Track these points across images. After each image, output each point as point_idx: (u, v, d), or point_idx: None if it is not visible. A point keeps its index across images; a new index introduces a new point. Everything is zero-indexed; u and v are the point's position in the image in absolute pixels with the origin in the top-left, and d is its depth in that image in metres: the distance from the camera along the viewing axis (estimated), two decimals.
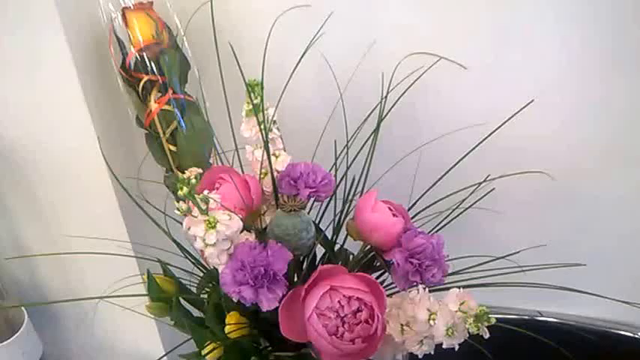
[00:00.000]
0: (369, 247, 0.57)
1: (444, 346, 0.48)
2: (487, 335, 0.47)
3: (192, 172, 0.43)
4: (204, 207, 0.45)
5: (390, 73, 0.63)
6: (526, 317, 0.89)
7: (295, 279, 0.57)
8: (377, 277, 0.59)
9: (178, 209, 0.45)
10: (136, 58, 0.62)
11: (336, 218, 0.61)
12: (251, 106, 0.56)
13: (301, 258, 0.56)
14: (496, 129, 0.57)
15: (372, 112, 0.63)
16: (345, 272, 0.49)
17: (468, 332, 0.48)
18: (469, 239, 0.60)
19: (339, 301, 0.47)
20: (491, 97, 0.67)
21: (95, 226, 0.67)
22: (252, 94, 0.56)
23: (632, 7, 0.62)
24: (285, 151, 0.59)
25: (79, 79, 0.61)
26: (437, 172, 0.61)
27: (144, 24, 0.62)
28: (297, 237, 0.50)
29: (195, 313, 0.60)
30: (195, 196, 0.44)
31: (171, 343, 0.76)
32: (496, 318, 0.48)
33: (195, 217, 0.46)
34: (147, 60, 0.62)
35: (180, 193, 0.43)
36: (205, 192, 0.46)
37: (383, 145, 0.62)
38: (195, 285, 0.60)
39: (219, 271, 0.49)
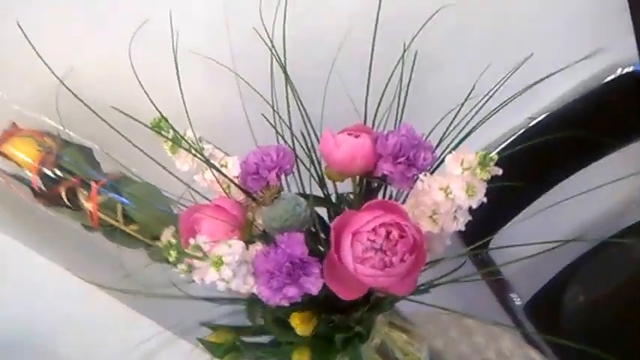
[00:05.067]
0: (358, 178, 0.57)
1: (474, 207, 0.49)
2: (500, 172, 0.48)
3: (166, 235, 0.41)
4: (201, 255, 0.43)
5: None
6: (520, 130, 0.92)
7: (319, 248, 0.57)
8: (384, 197, 0.59)
9: (181, 272, 0.43)
10: (40, 179, 0.59)
11: (314, 175, 0.61)
12: (170, 143, 0.54)
13: (310, 228, 0.56)
14: None
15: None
16: (353, 214, 0.49)
17: (485, 181, 0.48)
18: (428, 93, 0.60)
19: (367, 239, 0.47)
20: None
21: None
22: (162, 133, 0.54)
23: None
24: (227, 155, 0.58)
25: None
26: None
27: (23, 146, 0.58)
28: (295, 216, 0.49)
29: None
30: (186, 250, 0.43)
31: None
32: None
33: (200, 267, 0.44)
34: (51, 173, 0.59)
35: (171, 260, 0.41)
36: (191, 240, 0.44)
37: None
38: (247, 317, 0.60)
39: (256, 291, 0.48)
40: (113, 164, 0.63)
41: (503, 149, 0.91)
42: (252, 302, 0.57)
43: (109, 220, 0.61)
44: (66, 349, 0.67)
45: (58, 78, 0.54)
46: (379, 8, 0.57)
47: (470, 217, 0.52)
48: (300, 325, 0.52)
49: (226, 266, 0.44)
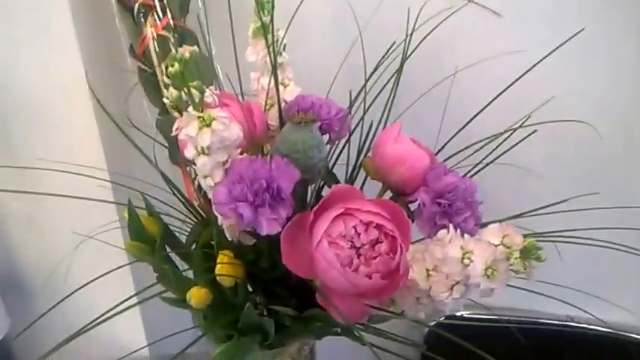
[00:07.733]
0: (388, 189, 0.49)
1: (481, 288, 0.39)
2: (534, 277, 0.39)
3: (186, 49, 0.35)
4: (197, 99, 0.37)
5: (416, 11, 0.57)
6: (557, 322, 0.81)
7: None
8: None
9: (167, 97, 0.37)
10: None
11: (350, 165, 0.54)
12: (259, 24, 0.50)
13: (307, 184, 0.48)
14: (539, 61, 0.49)
15: (393, 48, 0.56)
16: (362, 196, 0.41)
17: (512, 273, 0.39)
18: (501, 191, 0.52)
19: (354, 227, 0.38)
20: (525, 41, 0.60)
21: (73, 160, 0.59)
22: (261, 12, 0.50)
23: None
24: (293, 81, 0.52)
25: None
26: (464, 117, 0.53)
27: None
28: (307, 155, 0.42)
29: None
30: (190, 83, 0.37)
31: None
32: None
33: (188, 115, 0.38)
34: None
35: (171, 69, 0.35)
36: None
37: (403, 91, 0.55)
38: (186, 234, 0.52)
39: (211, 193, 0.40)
40: (194, 21, 0.59)
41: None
42: (206, 223, 0.49)
43: (153, 56, 0.56)
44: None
45: None
46: None
47: (462, 307, 0.42)
48: (225, 265, 0.44)
49: (211, 132, 0.37)
